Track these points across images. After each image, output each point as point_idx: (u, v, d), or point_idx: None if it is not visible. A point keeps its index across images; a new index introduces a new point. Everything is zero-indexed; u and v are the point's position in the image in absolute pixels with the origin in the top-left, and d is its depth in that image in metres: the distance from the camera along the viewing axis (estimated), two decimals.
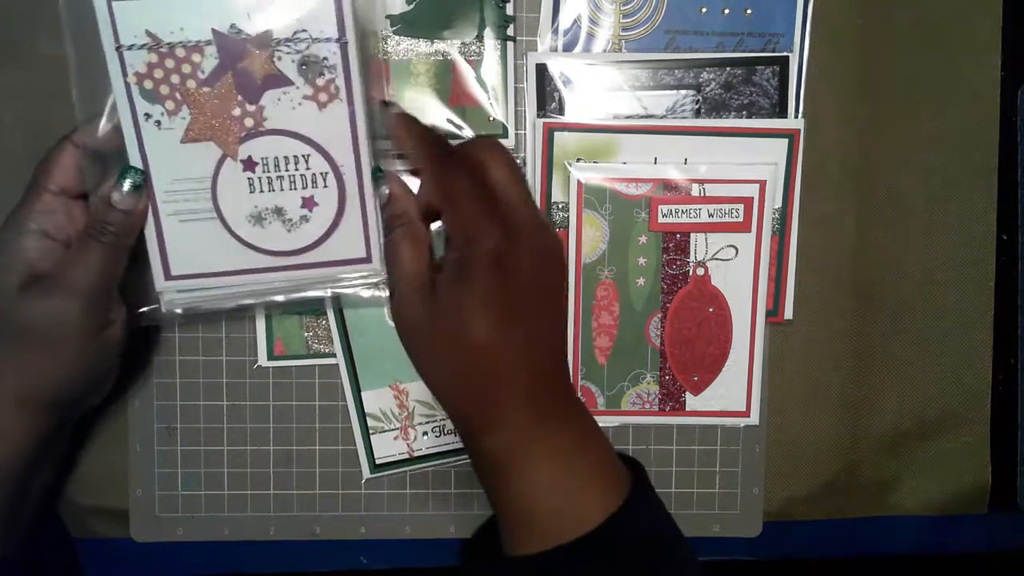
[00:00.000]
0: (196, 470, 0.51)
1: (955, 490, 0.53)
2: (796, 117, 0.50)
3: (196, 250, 0.43)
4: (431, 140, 0.41)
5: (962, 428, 0.53)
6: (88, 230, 0.39)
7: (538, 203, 0.49)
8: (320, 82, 0.41)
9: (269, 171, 0.42)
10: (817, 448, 0.53)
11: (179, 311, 0.44)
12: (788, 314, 0.51)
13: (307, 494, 0.51)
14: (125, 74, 0.39)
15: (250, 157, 0.41)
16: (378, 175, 0.42)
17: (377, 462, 0.51)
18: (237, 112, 0.41)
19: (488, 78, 0.48)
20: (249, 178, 0.42)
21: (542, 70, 0.49)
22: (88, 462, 0.51)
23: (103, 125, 0.40)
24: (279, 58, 0.40)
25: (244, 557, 0.52)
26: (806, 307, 0.52)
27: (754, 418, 0.51)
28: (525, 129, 0.49)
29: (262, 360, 0.50)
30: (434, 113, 0.48)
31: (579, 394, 0.51)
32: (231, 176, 0.42)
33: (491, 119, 0.48)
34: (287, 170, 0.42)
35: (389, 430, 0.51)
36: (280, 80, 0.40)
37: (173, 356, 0.50)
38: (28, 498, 0.45)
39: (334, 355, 0.50)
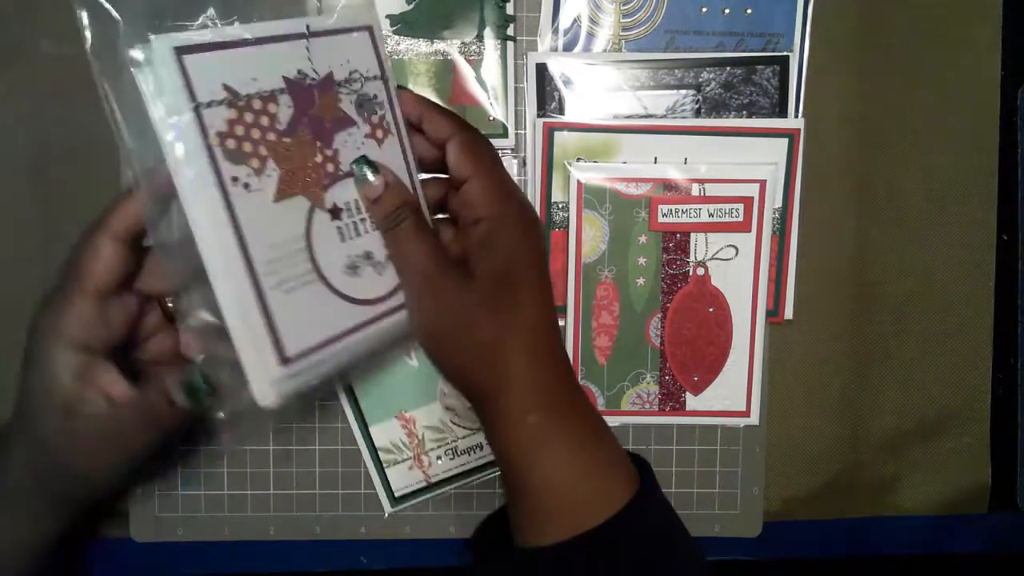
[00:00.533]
0: (196, 470, 0.51)
1: (955, 490, 0.53)
2: (796, 117, 0.50)
3: (307, 321, 0.37)
4: (450, 111, 0.40)
5: (962, 428, 0.53)
6: (157, 407, 0.37)
7: (537, 203, 0.49)
8: (375, 119, 0.39)
9: (354, 215, 0.39)
10: (817, 448, 0.53)
11: (290, 398, 0.37)
12: (788, 314, 0.51)
13: (307, 494, 0.51)
14: (206, 135, 0.34)
15: (335, 204, 0.38)
16: (363, 167, 0.38)
17: (396, 495, 0.51)
18: (319, 159, 0.37)
19: (488, 78, 0.48)
20: (338, 227, 0.38)
21: (542, 70, 0.49)
22: None
23: (142, 201, 0.36)
24: (340, 99, 0.38)
25: (244, 557, 0.52)
26: (806, 307, 0.52)
27: (754, 418, 0.51)
28: (525, 129, 0.49)
29: None
30: None
31: None
32: (323, 228, 0.37)
33: (491, 119, 0.48)
34: (368, 211, 0.39)
35: (403, 460, 0.51)
36: (346, 122, 0.38)
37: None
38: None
39: None
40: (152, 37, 0.33)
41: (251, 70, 0.35)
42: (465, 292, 0.36)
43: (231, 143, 0.35)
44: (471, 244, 0.37)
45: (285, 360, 0.36)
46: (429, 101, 0.40)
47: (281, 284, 0.36)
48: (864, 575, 0.57)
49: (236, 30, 0.35)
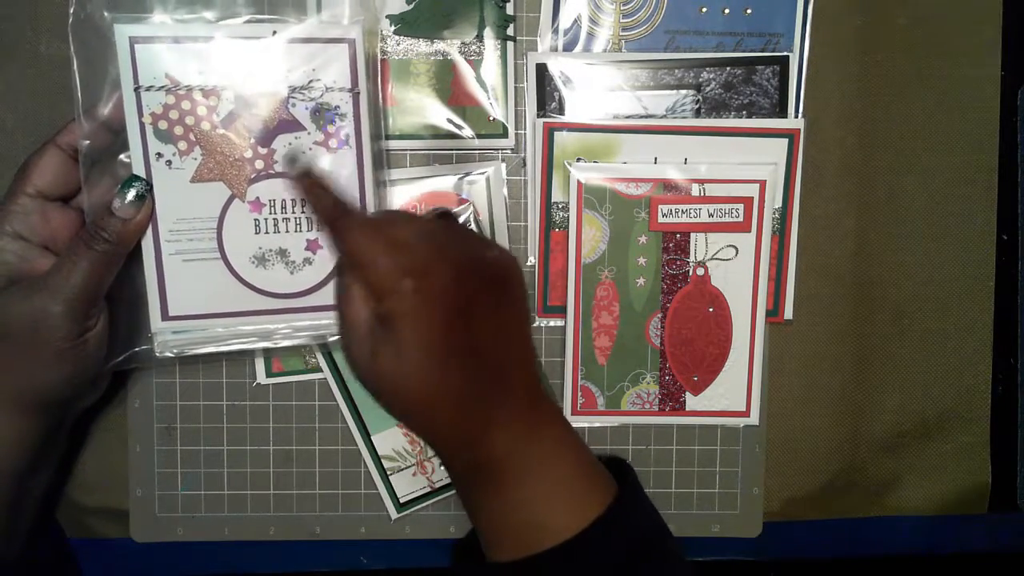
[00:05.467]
0: (196, 470, 0.51)
1: (955, 490, 0.53)
2: (796, 117, 0.50)
3: (196, 290, 0.43)
4: (332, 206, 0.36)
5: (962, 428, 0.53)
6: (82, 235, 0.39)
7: (537, 203, 0.49)
8: (331, 129, 0.42)
9: (275, 213, 0.42)
10: (817, 448, 0.53)
11: (171, 354, 0.44)
12: (788, 314, 0.51)
13: (307, 494, 0.51)
14: (141, 113, 0.40)
15: (258, 198, 0.42)
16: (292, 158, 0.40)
17: (401, 501, 0.51)
18: (248, 154, 0.41)
19: (488, 78, 0.48)
20: (256, 219, 0.42)
21: (542, 70, 0.49)
22: (88, 462, 0.51)
23: (88, 124, 0.40)
24: (293, 104, 0.41)
25: (244, 557, 0.52)
26: (806, 307, 0.52)
27: (754, 418, 0.51)
28: (525, 129, 0.49)
29: (260, 379, 0.50)
30: (434, 113, 0.48)
31: (579, 394, 0.51)
32: (238, 217, 0.42)
33: (491, 119, 0.48)
34: (293, 212, 0.43)
35: (406, 467, 0.51)
36: (292, 125, 0.41)
37: (171, 360, 0.50)
38: (26, 502, 0.44)
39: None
40: (115, 25, 0.39)
41: (199, 64, 0.40)
42: (374, 360, 0.34)
43: (163, 124, 0.40)
44: (376, 327, 0.35)
45: (167, 317, 0.43)
46: (315, 193, 0.36)
47: (180, 253, 0.42)
48: (864, 575, 0.57)
49: (196, 27, 0.40)
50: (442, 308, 0.34)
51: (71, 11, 0.40)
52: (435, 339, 0.34)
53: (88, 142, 0.41)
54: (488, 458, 0.36)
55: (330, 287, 0.44)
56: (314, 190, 0.36)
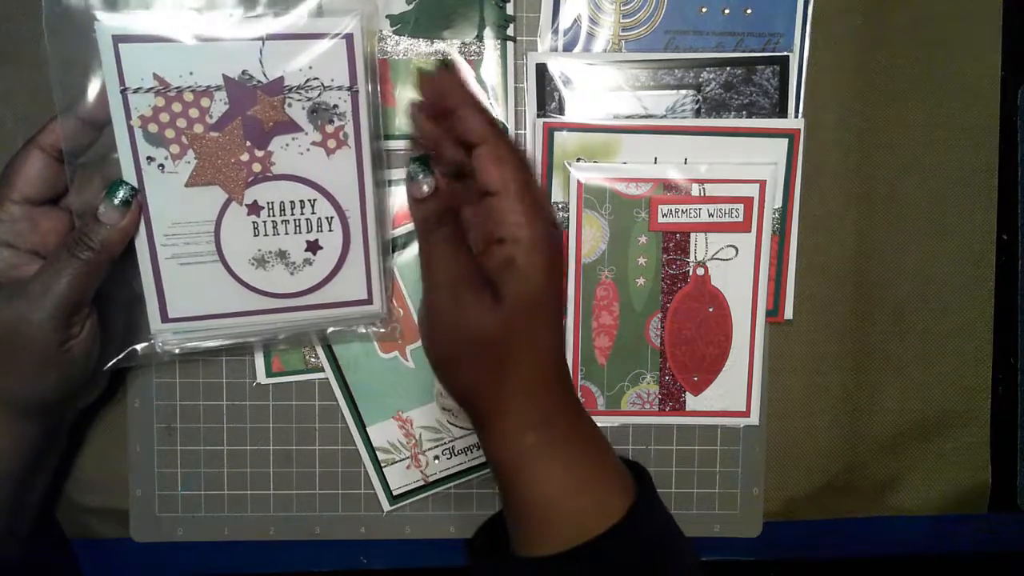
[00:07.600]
0: (196, 470, 0.51)
1: (955, 490, 0.53)
2: (796, 117, 0.50)
3: (195, 293, 0.42)
4: (490, 123, 0.35)
5: (962, 428, 0.53)
6: (66, 242, 0.38)
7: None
8: (329, 129, 0.40)
9: (274, 215, 0.42)
10: (817, 448, 0.53)
11: (175, 351, 0.44)
12: (788, 314, 0.51)
13: (307, 494, 0.51)
14: (129, 117, 0.38)
15: (255, 201, 0.41)
16: (422, 167, 0.36)
17: (394, 493, 0.51)
18: (245, 157, 0.40)
19: (488, 78, 0.48)
20: (254, 222, 0.41)
21: (542, 70, 0.49)
22: (88, 462, 0.51)
23: (70, 122, 0.39)
24: (289, 104, 0.40)
25: (244, 557, 0.52)
26: (806, 307, 0.52)
27: (754, 418, 0.51)
28: (525, 129, 0.49)
29: (260, 378, 0.50)
30: None
31: (579, 394, 0.51)
32: (235, 219, 0.41)
33: None
34: (292, 214, 0.42)
35: (400, 460, 0.51)
36: (289, 126, 0.40)
37: (173, 356, 0.50)
38: (25, 503, 0.44)
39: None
40: (96, 22, 0.37)
41: (189, 64, 0.38)
42: (487, 312, 0.34)
43: (153, 127, 0.39)
44: (493, 264, 0.35)
45: (166, 319, 0.42)
46: (468, 93, 0.35)
47: (176, 257, 0.41)
48: (864, 575, 0.57)
49: (185, 24, 0.38)
50: (555, 275, 0.35)
51: (43, 2, 0.38)
52: (539, 296, 0.35)
53: (72, 141, 0.39)
54: (511, 454, 0.36)
55: (330, 286, 0.44)
56: (468, 101, 0.34)
